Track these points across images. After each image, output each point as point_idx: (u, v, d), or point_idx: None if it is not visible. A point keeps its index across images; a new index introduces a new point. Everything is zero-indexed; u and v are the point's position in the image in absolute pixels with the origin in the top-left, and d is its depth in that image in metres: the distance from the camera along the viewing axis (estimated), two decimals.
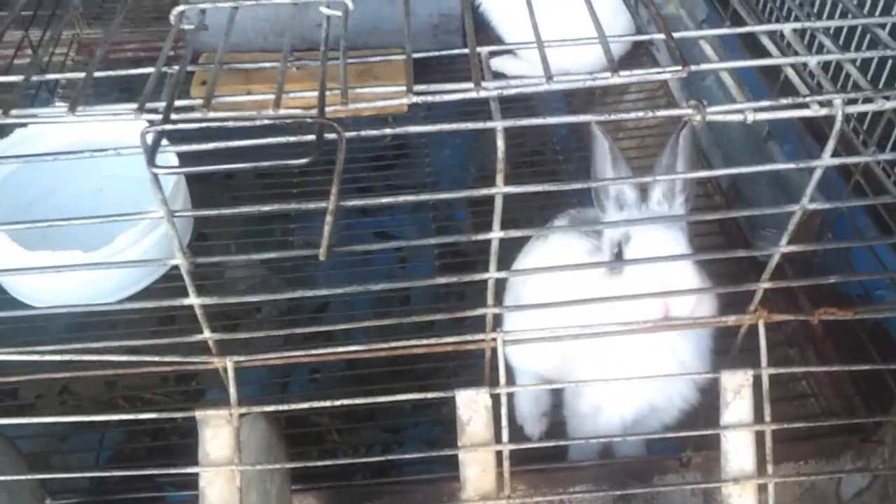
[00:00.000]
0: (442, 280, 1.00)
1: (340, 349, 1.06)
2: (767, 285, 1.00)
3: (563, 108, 2.31)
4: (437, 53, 0.98)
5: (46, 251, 1.60)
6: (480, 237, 0.91)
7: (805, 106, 0.83)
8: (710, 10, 2.10)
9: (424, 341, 1.05)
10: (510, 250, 1.38)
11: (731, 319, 1.05)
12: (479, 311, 1.04)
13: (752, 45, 1.85)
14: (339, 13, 0.94)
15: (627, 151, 2.09)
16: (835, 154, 0.87)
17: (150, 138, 0.78)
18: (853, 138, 1.63)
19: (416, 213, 2.11)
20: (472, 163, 2.25)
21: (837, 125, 0.81)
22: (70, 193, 1.92)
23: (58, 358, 1.04)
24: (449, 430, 1.64)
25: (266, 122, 0.82)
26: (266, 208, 0.85)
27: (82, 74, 0.91)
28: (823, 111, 0.83)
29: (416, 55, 0.89)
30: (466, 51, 0.89)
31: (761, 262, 1.49)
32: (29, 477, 1.13)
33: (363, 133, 0.83)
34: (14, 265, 1.61)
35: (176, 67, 0.89)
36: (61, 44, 2.36)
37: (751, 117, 0.82)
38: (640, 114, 0.81)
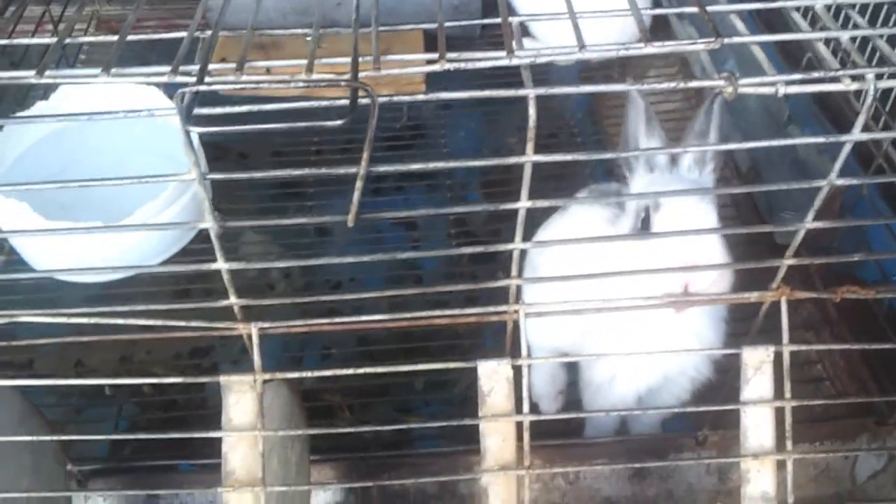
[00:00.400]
0: (466, 250, 1.00)
1: (364, 318, 1.06)
2: (791, 261, 1.00)
3: None
4: (466, 23, 0.98)
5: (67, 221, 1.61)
6: (509, 206, 0.91)
7: (836, 80, 0.84)
8: None
9: (447, 312, 1.06)
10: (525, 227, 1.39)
11: (753, 296, 1.05)
12: (503, 283, 1.05)
13: (771, 28, 1.85)
14: None
15: None
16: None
17: (185, 99, 0.79)
18: (872, 125, 1.63)
19: (431, 194, 2.12)
20: (485, 145, 2.25)
21: (869, 99, 0.82)
22: (91, 167, 1.93)
23: (83, 320, 1.05)
24: (460, 409, 1.66)
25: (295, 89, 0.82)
26: (297, 172, 0.86)
27: (114, 38, 0.92)
28: (855, 85, 0.83)
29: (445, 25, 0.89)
30: (496, 20, 0.89)
31: (780, 245, 1.50)
32: (55, 438, 1.15)
33: (395, 98, 0.84)
34: (35, 236, 1.62)
35: (209, 32, 0.90)
36: (81, 20, 2.37)
37: (782, 90, 0.82)
38: (673, 84, 0.81)
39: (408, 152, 2.18)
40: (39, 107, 1.85)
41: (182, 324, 1.04)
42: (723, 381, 1.28)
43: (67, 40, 0.92)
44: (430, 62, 0.85)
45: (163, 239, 1.79)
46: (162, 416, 1.69)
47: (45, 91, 1.99)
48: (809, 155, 1.46)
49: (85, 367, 1.77)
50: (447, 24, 0.90)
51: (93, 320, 1.04)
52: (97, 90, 1.87)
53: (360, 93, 0.79)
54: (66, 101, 1.84)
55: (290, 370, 1.73)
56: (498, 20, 0.88)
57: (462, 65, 0.83)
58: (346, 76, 0.81)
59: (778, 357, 1.07)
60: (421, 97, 0.85)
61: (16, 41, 0.95)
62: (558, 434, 1.40)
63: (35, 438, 1.09)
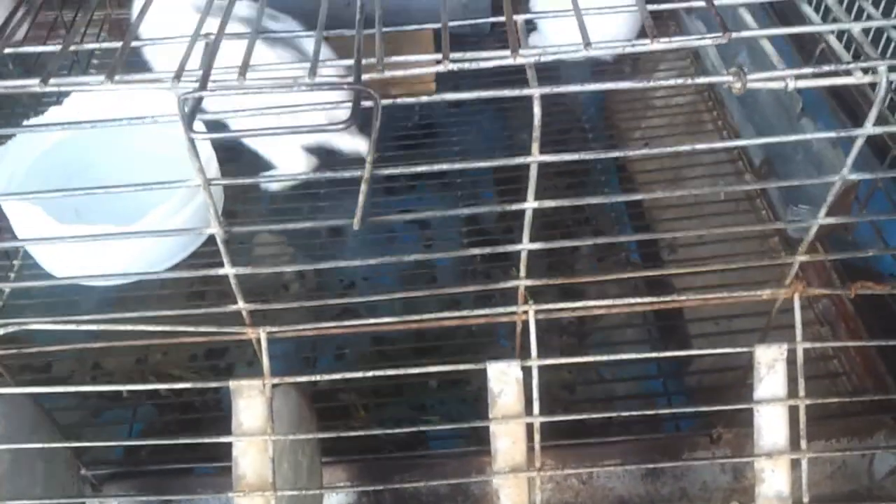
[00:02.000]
0: (475, 251, 1.00)
1: (372, 321, 1.06)
2: (804, 258, 0.98)
3: None
4: (470, 22, 0.97)
5: (80, 224, 1.62)
6: (515, 207, 0.91)
7: (847, 73, 0.82)
8: None
9: (456, 313, 1.06)
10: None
11: (766, 293, 1.03)
12: (511, 284, 1.04)
13: (785, 21, 1.83)
14: None
15: (656, 130, 2.08)
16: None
17: (188, 104, 0.78)
18: (888, 116, 1.61)
19: (443, 192, 2.11)
20: (498, 142, 2.23)
21: (881, 92, 0.80)
22: (101, 172, 1.94)
23: (93, 327, 1.06)
24: (474, 408, 1.66)
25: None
26: (303, 176, 0.86)
27: (119, 44, 0.92)
28: (867, 78, 0.81)
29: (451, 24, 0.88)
30: (500, 19, 0.88)
31: (794, 240, 1.49)
32: (67, 445, 1.15)
33: (399, 101, 0.83)
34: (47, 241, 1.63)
35: (212, 36, 0.90)
36: (93, 24, 2.38)
37: (791, 84, 0.81)
38: (681, 80, 0.80)
39: (419, 151, 2.16)
40: (53, 112, 1.86)
41: (191, 329, 1.04)
42: (735, 379, 1.27)
43: (73, 47, 0.92)
44: (437, 62, 0.84)
45: (175, 242, 1.79)
46: (177, 419, 1.70)
47: (59, 96, 2.00)
48: (823, 148, 1.44)
49: (102, 369, 1.79)
50: (453, 23, 0.89)
51: (103, 327, 1.04)
52: (112, 93, 1.88)
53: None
54: (80, 105, 1.86)
55: (303, 371, 1.74)
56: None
57: (466, 65, 0.82)
58: (350, 79, 0.80)
59: (791, 354, 1.06)
60: (425, 98, 0.84)
61: (27, 49, 0.94)
62: (568, 435, 1.39)
63: (47, 445, 1.10)
